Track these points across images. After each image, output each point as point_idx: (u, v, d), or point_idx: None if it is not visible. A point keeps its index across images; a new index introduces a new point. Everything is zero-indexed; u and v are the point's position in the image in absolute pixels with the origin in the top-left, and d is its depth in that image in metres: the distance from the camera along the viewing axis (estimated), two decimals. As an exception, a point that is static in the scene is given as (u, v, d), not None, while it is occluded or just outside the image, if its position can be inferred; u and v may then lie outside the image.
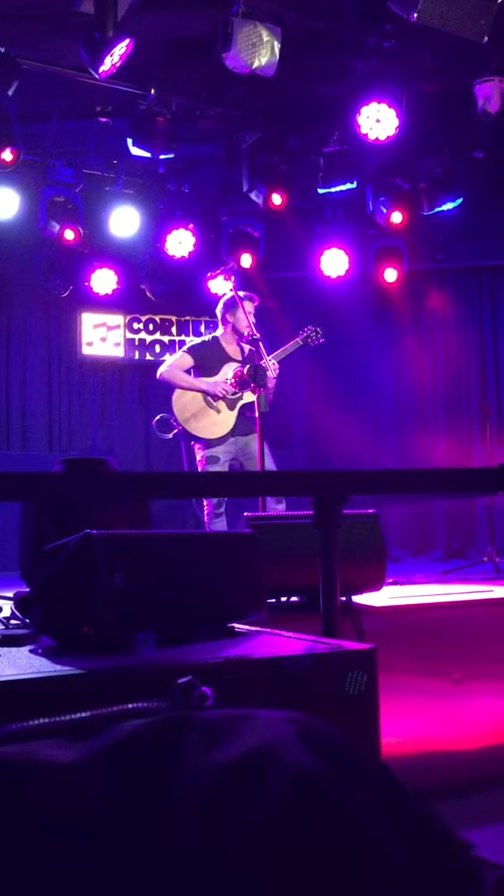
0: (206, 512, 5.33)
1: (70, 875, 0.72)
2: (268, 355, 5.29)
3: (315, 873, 0.68)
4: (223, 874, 0.69)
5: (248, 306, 5.38)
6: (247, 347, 5.49)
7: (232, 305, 5.44)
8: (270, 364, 5.22)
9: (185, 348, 5.66)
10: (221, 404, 5.41)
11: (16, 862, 0.72)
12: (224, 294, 5.57)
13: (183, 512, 8.37)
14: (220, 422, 5.42)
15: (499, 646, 3.25)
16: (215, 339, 5.59)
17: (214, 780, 0.74)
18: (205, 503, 5.37)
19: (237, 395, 5.40)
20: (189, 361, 5.50)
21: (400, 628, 3.15)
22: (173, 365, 5.53)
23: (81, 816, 0.74)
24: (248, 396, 5.39)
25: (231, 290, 5.33)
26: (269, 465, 5.26)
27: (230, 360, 5.49)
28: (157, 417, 5.69)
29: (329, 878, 0.69)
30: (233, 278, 5.32)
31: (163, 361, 8.83)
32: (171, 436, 5.58)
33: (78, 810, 0.74)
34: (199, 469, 5.40)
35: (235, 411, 5.42)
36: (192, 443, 5.49)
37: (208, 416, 5.44)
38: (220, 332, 5.58)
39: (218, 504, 5.29)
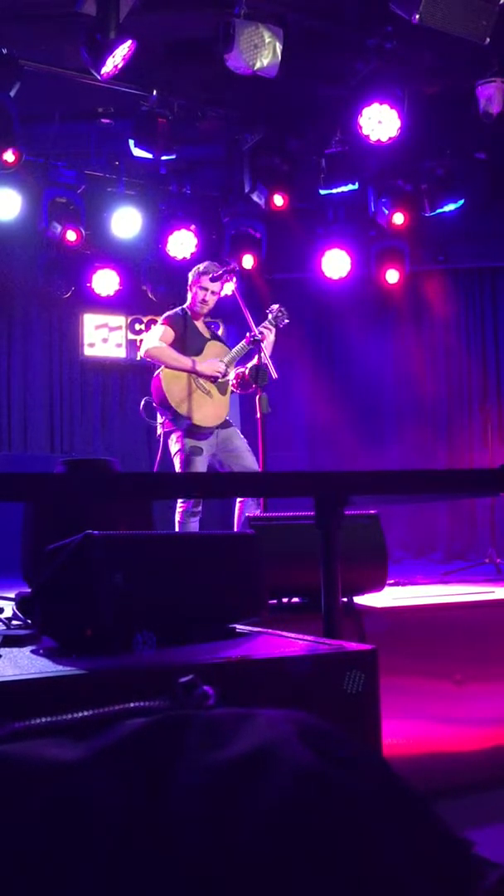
0: (181, 510, 4.95)
1: (72, 874, 0.72)
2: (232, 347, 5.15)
3: (316, 869, 0.68)
4: (225, 872, 0.69)
5: (208, 283, 5.12)
6: (209, 329, 5.26)
7: (193, 276, 5.22)
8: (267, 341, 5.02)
9: (161, 319, 5.21)
10: (213, 389, 5.05)
11: (17, 860, 0.72)
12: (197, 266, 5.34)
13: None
14: (213, 409, 5.04)
15: (500, 647, 3.25)
16: (184, 310, 5.24)
17: (216, 778, 0.74)
18: (180, 501, 4.96)
19: (227, 379, 5.07)
20: (171, 334, 5.11)
21: (401, 629, 3.14)
22: (157, 339, 5.11)
23: (83, 815, 0.74)
24: (231, 377, 5.12)
25: (233, 289, 5.18)
26: (252, 460, 5.06)
27: (205, 338, 5.19)
28: (144, 401, 5.22)
29: (330, 873, 0.69)
30: (234, 279, 5.26)
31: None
32: (159, 423, 5.13)
33: (80, 809, 0.74)
34: (179, 461, 5.02)
35: (227, 396, 5.11)
36: (171, 432, 5.06)
37: (198, 402, 5.02)
38: (187, 303, 5.27)
39: (196, 503, 4.93)
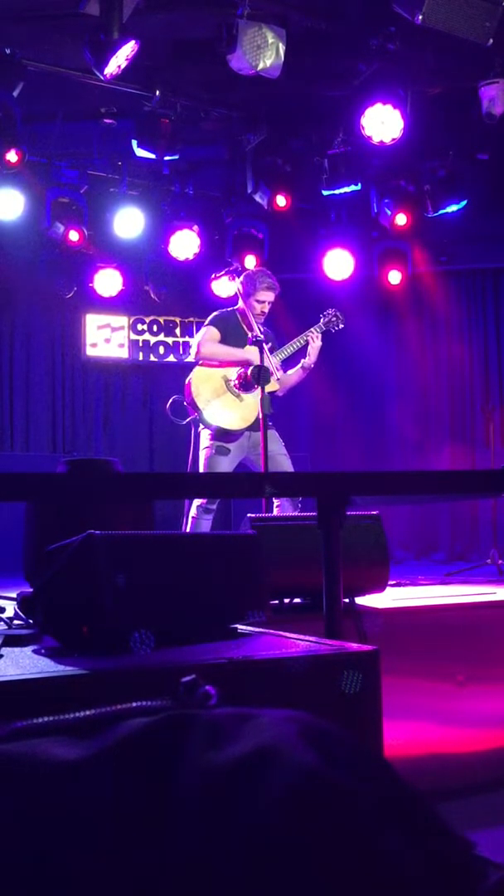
0: (196, 505, 4.96)
1: (73, 873, 0.72)
2: (282, 346, 5.16)
3: (317, 869, 0.68)
4: (226, 871, 0.69)
5: (267, 295, 5.10)
6: (261, 327, 5.19)
7: (248, 285, 5.17)
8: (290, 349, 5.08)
9: (208, 321, 5.25)
10: (245, 395, 5.06)
11: (18, 859, 0.72)
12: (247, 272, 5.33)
13: (186, 513, 8.38)
14: (242, 412, 5.03)
15: (502, 648, 3.25)
16: (233, 312, 5.23)
17: (218, 778, 0.74)
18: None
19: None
20: (217, 334, 5.12)
21: (403, 630, 3.14)
22: (206, 340, 5.11)
23: (85, 814, 0.74)
24: (271, 386, 5.06)
25: (246, 278, 5.15)
26: (287, 465, 5.11)
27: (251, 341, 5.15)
28: (171, 400, 5.21)
29: (331, 872, 0.69)
30: (237, 279, 5.26)
31: (167, 362, 8.68)
32: (186, 422, 5.14)
33: (81, 808, 0.74)
34: (204, 460, 5.03)
35: (258, 400, 5.02)
36: (202, 429, 5.09)
37: (229, 404, 5.04)
38: (238, 305, 5.24)
39: (212, 500, 4.95)
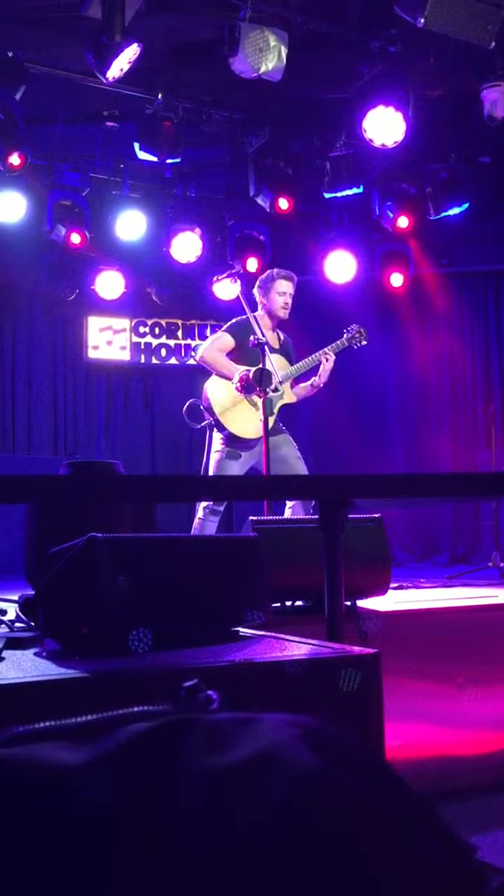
0: (203, 507, 4.97)
1: (73, 879, 0.72)
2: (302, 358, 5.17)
3: (318, 873, 0.68)
4: (226, 876, 0.69)
5: (285, 286, 5.13)
6: (282, 336, 5.24)
7: (264, 284, 5.19)
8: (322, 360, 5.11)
9: (224, 328, 5.24)
10: (261, 402, 4.98)
11: (17, 864, 0.72)
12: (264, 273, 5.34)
13: (187, 515, 8.38)
14: (256, 421, 4.99)
15: (503, 650, 3.25)
16: (247, 319, 5.14)
17: (219, 783, 0.74)
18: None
19: (278, 393, 5.04)
20: (230, 343, 5.11)
21: (404, 633, 3.14)
22: (214, 347, 5.13)
23: (85, 819, 0.74)
24: (288, 396, 5.11)
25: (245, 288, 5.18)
26: (301, 468, 5.13)
27: (271, 349, 5.07)
28: (188, 404, 5.18)
29: (332, 876, 0.69)
30: (239, 282, 5.27)
31: (169, 365, 8.71)
32: (201, 426, 5.13)
33: (81, 813, 0.74)
34: (214, 463, 5.05)
35: (275, 410, 5.08)
36: (216, 434, 5.11)
37: (245, 413, 5.05)
38: (258, 312, 5.24)
39: (217, 502, 4.97)
